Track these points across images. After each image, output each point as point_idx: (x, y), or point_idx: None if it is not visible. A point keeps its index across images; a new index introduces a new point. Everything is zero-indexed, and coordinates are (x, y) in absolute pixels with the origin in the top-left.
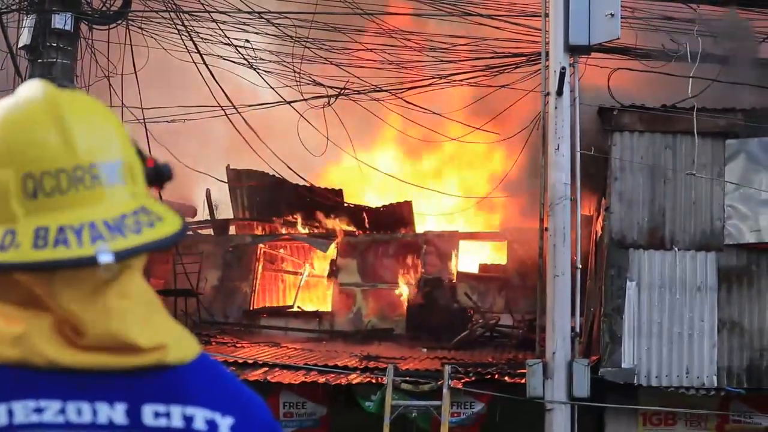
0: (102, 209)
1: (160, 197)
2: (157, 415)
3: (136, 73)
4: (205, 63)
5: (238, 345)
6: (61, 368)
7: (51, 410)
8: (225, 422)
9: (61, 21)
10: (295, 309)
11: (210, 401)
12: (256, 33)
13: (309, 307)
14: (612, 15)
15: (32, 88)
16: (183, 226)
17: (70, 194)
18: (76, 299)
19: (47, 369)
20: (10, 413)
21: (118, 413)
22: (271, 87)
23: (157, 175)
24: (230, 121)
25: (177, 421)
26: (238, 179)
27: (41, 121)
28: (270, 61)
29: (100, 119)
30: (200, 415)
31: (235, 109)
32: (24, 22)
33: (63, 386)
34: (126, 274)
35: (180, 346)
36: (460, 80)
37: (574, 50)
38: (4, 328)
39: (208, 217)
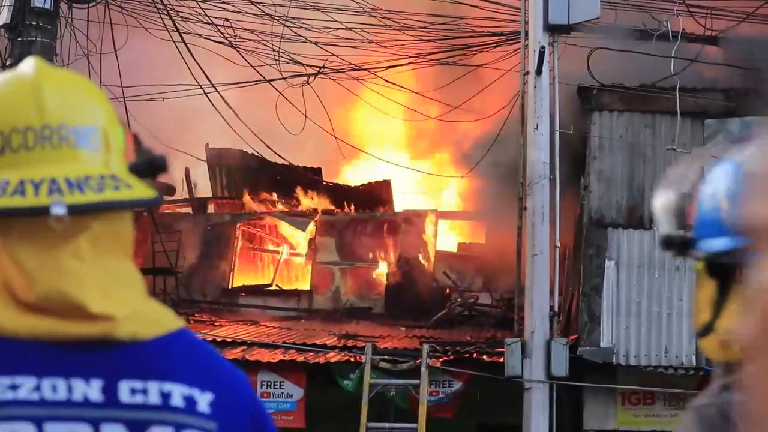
0: (67, 168)
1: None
2: (133, 391)
3: (116, 51)
4: (184, 42)
5: (216, 323)
6: (11, 336)
7: (26, 387)
8: (204, 398)
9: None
10: (274, 287)
11: (188, 377)
12: (236, 12)
13: (287, 286)
14: None
15: (26, 64)
16: (153, 197)
17: (36, 151)
18: (29, 254)
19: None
20: None
21: (93, 390)
22: (251, 65)
23: (151, 167)
24: (209, 99)
25: (154, 398)
26: (217, 158)
27: (18, 87)
28: (249, 40)
29: (78, 90)
30: (178, 392)
31: (214, 87)
32: (3, 0)
33: (38, 362)
34: (85, 236)
35: (139, 321)
36: (439, 59)
37: (553, 29)
38: None
39: (187, 196)
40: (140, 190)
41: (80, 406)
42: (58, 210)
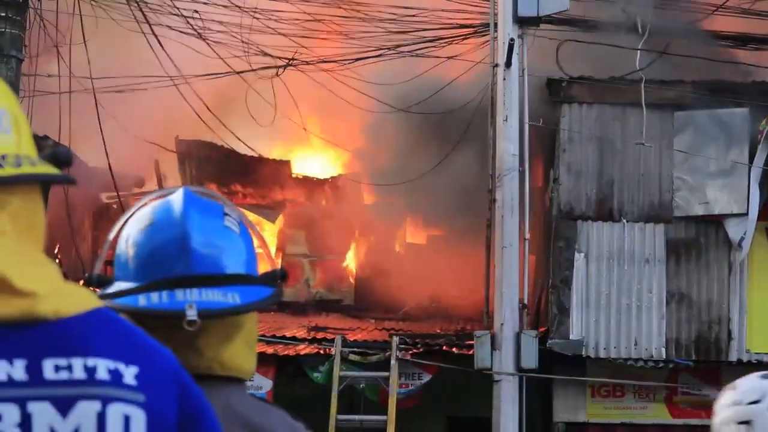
0: None
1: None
2: (57, 368)
3: (85, 42)
4: (154, 33)
5: None
6: None
7: None
8: (129, 371)
9: None
10: None
11: (112, 352)
12: (205, 3)
13: None
14: None
15: None
16: (68, 176)
17: None
18: None
19: None
20: None
21: (17, 369)
22: (220, 57)
23: (55, 159)
24: (179, 91)
25: (79, 373)
26: (186, 150)
27: None
28: (218, 32)
29: None
30: (102, 365)
31: (184, 79)
32: None
33: None
34: (6, 212)
35: (60, 298)
36: (408, 51)
37: (522, 22)
38: None
39: (156, 188)
40: (53, 169)
41: (4, 386)
42: None
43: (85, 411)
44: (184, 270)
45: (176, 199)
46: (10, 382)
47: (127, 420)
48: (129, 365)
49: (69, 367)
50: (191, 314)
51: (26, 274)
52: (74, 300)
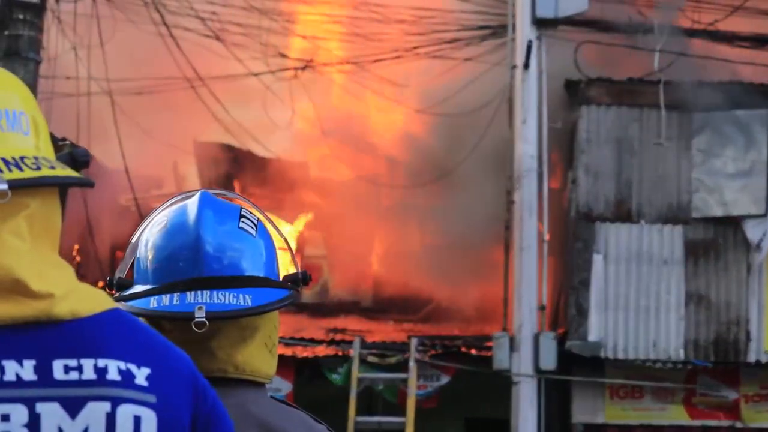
0: (2, 149)
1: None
2: (67, 368)
3: (102, 45)
4: (171, 35)
5: None
6: None
7: None
8: (142, 372)
9: None
10: None
11: (125, 353)
12: (223, 5)
13: None
14: None
15: None
16: (86, 178)
17: None
18: None
19: None
20: None
21: (26, 370)
22: (238, 59)
23: (72, 161)
24: (197, 93)
25: (89, 374)
26: (204, 152)
27: None
28: (236, 34)
29: (4, 79)
30: (114, 366)
31: (202, 81)
32: None
33: None
34: (23, 215)
35: (76, 299)
36: (426, 53)
37: (540, 23)
38: None
39: (174, 190)
40: (72, 172)
41: (13, 386)
42: (0, 186)
43: (95, 412)
44: (196, 272)
45: (192, 202)
46: (19, 382)
47: (137, 421)
48: (141, 366)
49: (79, 368)
50: (200, 316)
51: (43, 276)
52: (90, 301)
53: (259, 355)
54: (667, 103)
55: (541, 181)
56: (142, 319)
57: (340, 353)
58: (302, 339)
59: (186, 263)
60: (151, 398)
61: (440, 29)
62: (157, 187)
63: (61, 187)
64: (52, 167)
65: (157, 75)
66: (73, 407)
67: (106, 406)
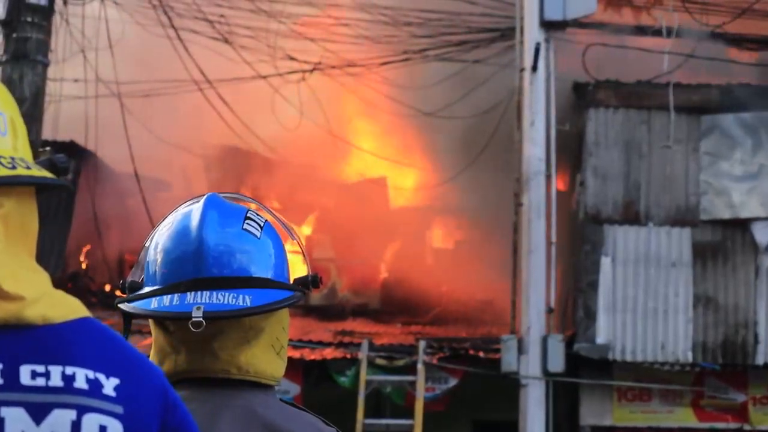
0: None
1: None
2: (34, 374)
3: (111, 47)
4: (179, 38)
5: None
6: None
7: None
8: (110, 382)
9: None
10: None
11: (94, 362)
12: (231, 8)
13: None
14: None
15: None
16: (62, 180)
17: None
18: None
19: None
20: None
21: None
22: (246, 62)
23: (52, 166)
24: (205, 96)
25: (56, 381)
26: (213, 155)
27: None
28: (245, 36)
29: None
30: (81, 374)
31: (210, 83)
32: None
33: None
34: None
35: (49, 304)
36: (435, 55)
37: (548, 25)
38: None
39: (182, 192)
40: (48, 174)
41: None
42: None
43: (60, 419)
44: (197, 273)
45: (198, 205)
46: None
47: (103, 430)
48: (110, 377)
49: (47, 374)
50: (196, 315)
51: (16, 278)
52: (62, 307)
53: (264, 357)
54: (675, 106)
55: (549, 183)
56: (150, 322)
57: (348, 356)
58: (310, 341)
59: (189, 265)
60: (119, 409)
61: (448, 32)
62: (166, 189)
63: (39, 188)
64: (28, 167)
65: (166, 78)
66: (38, 413)
67: (72, 414)
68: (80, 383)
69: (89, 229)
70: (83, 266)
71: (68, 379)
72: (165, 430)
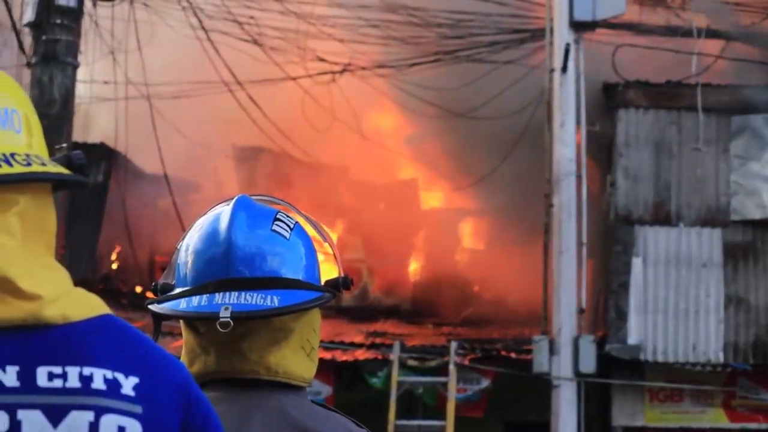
0: None
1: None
2: (51, 376)
3: (140, 49)
4: (209, 39)
5: None
6: None
7: None
8: (129, 382)
9: None
10: None
11: (113, 362)
12: (261, 10)
13: None
14: None
15: None
16: (77, 177)
17: None
18: None
19: None
20: None
21: (9, 376)
22: (276, 63)
23: (69, 163)
24: (235, 97)
25: (73, 382)
26: (244, 156)
27: None
28: (274, 38)
29: None
30: (99, 375)
31: (240, 85)
32: None
33: None
34: (13, 212)
35: (68, 302)
36: (465, 56)
37: (578, 26)
38: None
39: (213, 194)
40: (63, 170)
41: None
42: None
43: (77, 421)
44: (225, 274)
45: (228, 206)
46: (1, 389)
47: (121, 431)
48: (129, 375)
49: (64, 375)
50: (224, 315)
51: (33, 276)
52: (82, 306)
53: (294, 358)
54: (704, 106)
55: (580, 184)
56: (180, 323)
57: (380, 357)
58: (342, 343)
59: (217, 266)
60: (137, 408)
61: (478, 33)
62: (196, 191)
63: (56, 185)
64: (43, 164)
65: (195, 79)
66: (55, 415)
67: (90, 416)
68: (98, 384)
69: (120, 230)
70: (114, 268)
71: (86, 380)
72: (187, 428)
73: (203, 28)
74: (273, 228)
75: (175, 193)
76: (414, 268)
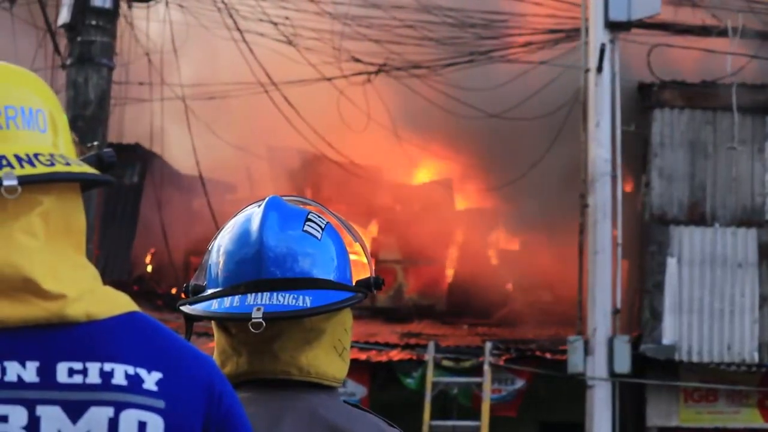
0: (16, 146)
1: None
2: (71, 372)
3: (175, 50)
4: (244, 40)
5: None
6: None
7: None
8: (151, 377)
9: None
10: None
11: (136, 357)
12: (296, 10)
13: None
14: None
15: None
16: (104, 176)
17: None
18: None
19: None
20: None
21: (29, 372)
22: (311, 64)
23: (99, 161)
24: (270, 98)
25: (94, 378)
26: (278, 157)
27: None
28: (309, 38)
29: (22, 76)
30: (121, 370)
31: (275, 86)
32: None
33: None
34: (36, 212)
35: (93, 300)
36: (500, 56)
37: (613, 26)
38: None
39: (248, 195)
40: (89, 168)
41: (13, 387)
42: (9, 181)
43: (97, 416)
44: (257, 275)
45: (259, 207)
46: (20, 384)
47: (142, 427)
48: (153, 371)
49: (84, 371)
50: (256, 316)
51: (57, 276)
52: (107, 303)
53: (326, 358)
54: (740, 106)
55: (615, 184)
56: (212, 324)
57: (415, 357)
58: (377, 343)
59: (249, 266)
60: (160, 403)
61: (513, 33)
62: (231, 192)
63: (84, 184)
64: (68, 164)
65: (231, 80)
66: (74, 411)
67: (110, 411)
68: (119, 379)
69: (155, 231)
70: (148, 269)
71: (106, 376)
72: (210, 422)
73: (238, 29)
74: (304, 229)
75: (210, 195)
76: (448, 268)
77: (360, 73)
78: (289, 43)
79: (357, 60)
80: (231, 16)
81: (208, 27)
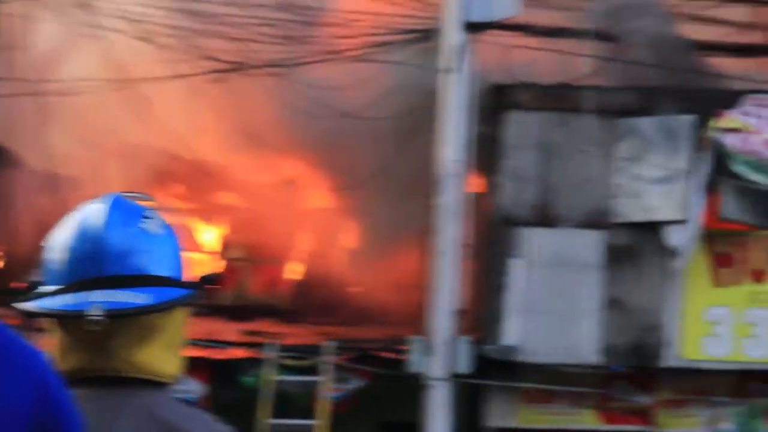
0: None
1: (52, 174)
2: None
3: (27, 45)
4: (100, 36)
5: None
6: None
7: None
8: None
9: None
10: None
11: None
12: (155, 8)
13: None
14: None
15: None
16: None
17: None
18: None
19: None
20: None
21: None
22: (165, 61)
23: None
24: (123, 95)
25: None
26: (130, 154)
27: None
28: (167, 36)
29: None
30: None
31: (128, 83)
32: None
33: None
34: None
35: None
36: (354, 56)
37: (471, 27)
38: None
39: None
40: None
41: None
42: None
43: None
44: (96, 272)
45: (99, 203)
46: None
47: None
48: None
49: None
50: (92, 314)
51: None
52: None
53: (162, 356)
54: (592, 109)
55: (463, 185)
56: (51, 321)
57: (255, 356)
58: (217, 341)
59: (88, 263)
60: None
61: (369, 32)
62: (82, 189)
63: None
64: None
65: (85, 76)
66: None
67: None
68: None
69: (6, 228)
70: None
71: None
72: (39, 416)
73: (94, 24)
74: (143, 225)
75: (62, 191)
76: (295, 268)
77: (214, 72)
78: (145, 39)
79: (213, 58)
80: (88, 11)
81: (65, 22)
